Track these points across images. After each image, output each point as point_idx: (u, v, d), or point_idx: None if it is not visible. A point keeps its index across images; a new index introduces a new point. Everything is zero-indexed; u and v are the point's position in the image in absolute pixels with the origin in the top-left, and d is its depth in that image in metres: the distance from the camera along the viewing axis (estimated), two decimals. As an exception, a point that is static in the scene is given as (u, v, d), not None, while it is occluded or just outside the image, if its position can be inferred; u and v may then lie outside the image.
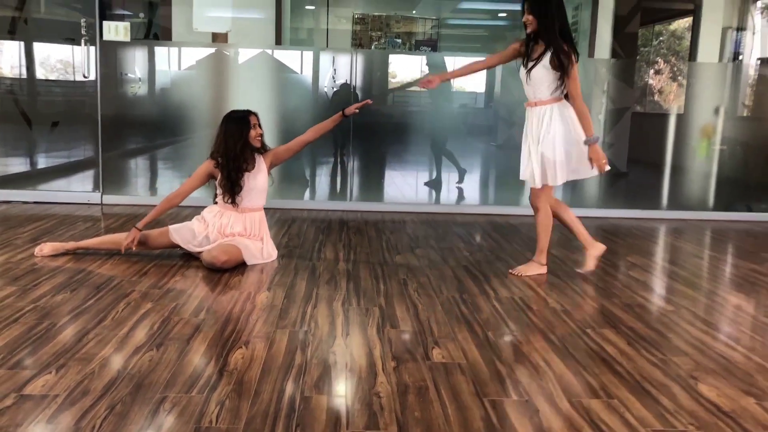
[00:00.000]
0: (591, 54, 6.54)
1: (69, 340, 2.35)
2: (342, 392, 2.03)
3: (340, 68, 5.74)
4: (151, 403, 1.91)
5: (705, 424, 1.90)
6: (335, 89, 5.70)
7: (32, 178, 5.63)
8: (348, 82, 5.69)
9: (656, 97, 10.44)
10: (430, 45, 8.60)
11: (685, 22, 9.71)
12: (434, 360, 2.30)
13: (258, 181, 3.58)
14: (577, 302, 3.06)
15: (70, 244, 3.60)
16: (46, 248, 3.56)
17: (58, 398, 1.91)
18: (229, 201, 3.52)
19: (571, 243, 4.36)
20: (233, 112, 3.58)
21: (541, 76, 3.32)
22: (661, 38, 10.83)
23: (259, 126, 3.59)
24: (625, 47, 7.20)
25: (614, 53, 6.63)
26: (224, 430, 1.77)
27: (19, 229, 4.18)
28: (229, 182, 3.49)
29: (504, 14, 9.16)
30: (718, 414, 1.97)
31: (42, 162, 5.79)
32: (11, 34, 5.50)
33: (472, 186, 6.15)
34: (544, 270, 3.54)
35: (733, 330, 2.76)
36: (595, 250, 3.53)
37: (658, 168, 6.21)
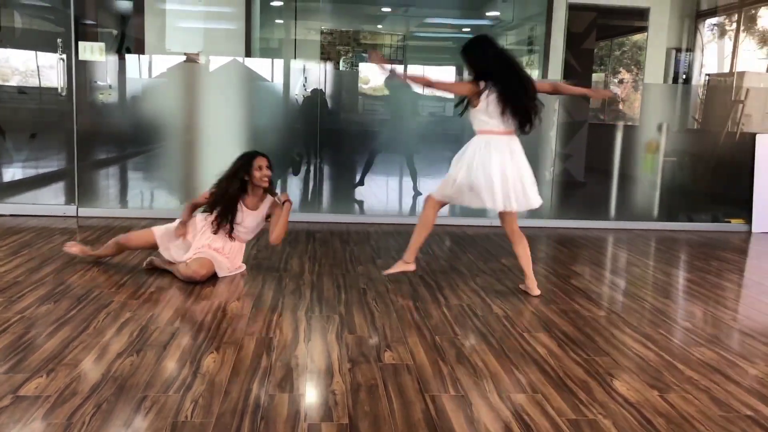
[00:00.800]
0: (545, 73, 6.91)
1: (56, 348, 2.60)
2: (302, 390, 2.32)
3: (310, 77, 6.06)
4: (133, 401, 2.18)
5: (611, 413, 2.23)
6: (306, 96, 6.00)
7: (7, 189, 5.81)
8: (318, 88, 6.00)
9: (621, 106, 10.91)
10: (395, 62, 8.92)
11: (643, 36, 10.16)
12: (385, 361, 2.60)
13: (255, 221, 3.84)
14: (518, 308, 3.39)
15: (94, 253, 3.92)
16: (74, 248, 3.94)
17: (50, 398, 2.17)
18: (227, 231, 3.76)
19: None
20: (244, 153, 3.82)
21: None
22: (623, 48, 11.30)
23: (268, 168, 3.75)
24: (582, 62, 7.60)
25: (567, 71, 7.01)
26: (198, 424, 2.04)
27: (-1, 243, 4.39)
28: (222, 217, 3.73)
29: (468, 29, 9.54)
30: (624, 405, 2.30)
31: (17, 173, 5.96)
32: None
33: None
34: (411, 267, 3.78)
35: (653, 332, 3.10)
36: (531, 290, 3.71)
37: (610, 178, 6.61)
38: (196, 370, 2.45)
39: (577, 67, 7.50)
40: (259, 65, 6.42)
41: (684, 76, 7.32)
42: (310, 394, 2.29)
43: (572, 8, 6.61)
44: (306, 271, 3.97)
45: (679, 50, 7.29)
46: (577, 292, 3.75)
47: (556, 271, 4.27)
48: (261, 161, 3.75)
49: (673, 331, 3.13)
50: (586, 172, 6.96)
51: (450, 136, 6.74)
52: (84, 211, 5.51)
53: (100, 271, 3.78)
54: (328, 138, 5.97)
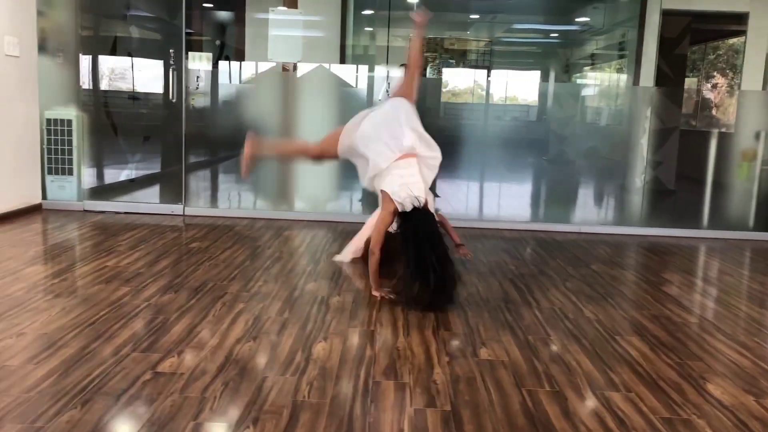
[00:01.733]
0: (636, 79, 6.87)
1: (182, 332, 2.89)
2: (405, 379, 2.50)
3: (393, 82, 6.28)
4: (256, 381, 2.41)
5: (705, 414, 2.30)
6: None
7: (122, 188, 6.29)
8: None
9: (714, 112, 10.62)
10: (483, 68, 9.03)
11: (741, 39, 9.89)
12: (481, 357, 2.75)
13: None
14: (609, 313, 3.46)
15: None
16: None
17: (183, 375, 2.44)
18: None
19: (611, 260, 4.75)
20: None
21: None
22: (718, 52, 10.99)
23: None
24: (674, 69, 7.50)
25: (659, 77, 6.94)
26: (315, 404, 2.26)
27: (119, 237, 4.79)
28: None
29: (555, 34, 9.55)
30: (719, 407, 2.36)
31: (130, 173, 6.44)
32: (109, 54, 6.19)
33: (522, 202, 6.57)
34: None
35: (747, 340, 3.12)
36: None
37: (703, 186, 6.50)
38: (308, 356, 2.67)
39: (670, 73, 7.41)
40: (344, 71, 6.69)
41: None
42: (414, 383, 2.47)
43: (666, 14, 6.54)
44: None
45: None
46: (668, 299, 3.78)
47: (647, 278, 4.29)
48: None
49: (768, 340, 3.14)
50: (676, 179, 6.87)
51: (534, 141, 6.81)
52: (190, 210, 5.91)
53: (211, 265, 4.09)
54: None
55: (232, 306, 3.29)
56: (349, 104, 6.35)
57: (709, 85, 11.00)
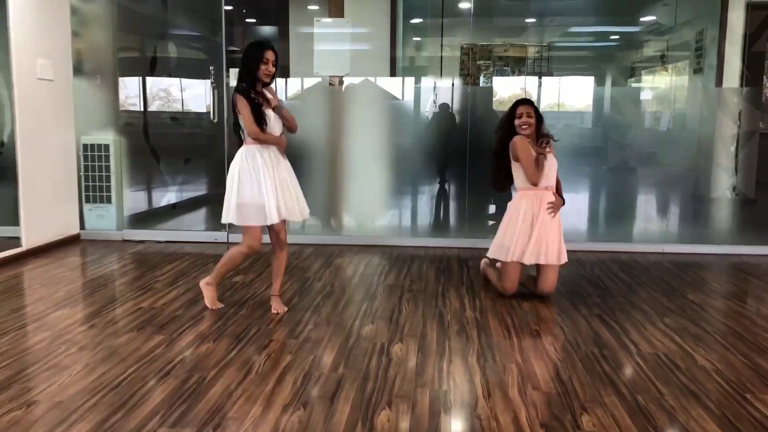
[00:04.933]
0: (720, 80, 6.21)
1: (219, 398, 2.43)
2: (495, 465, 1.98)
3: (441, 94, 5.79)
4: (307, 470, 1.93)
5: None
6: (436, 111, 5.74)
7: (162, 215, 5.93)
8: (448, 104, 5.73)
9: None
10: (541, 74, 8.48)
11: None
12: (585, 429, 2.21)
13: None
14: (728, 359, 2.87)
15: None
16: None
17: (218, 462, 1.97)
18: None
19: (708, 287, 4.14)
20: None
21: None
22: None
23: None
24: (752, 67, 6.81)
25: (743, 76, 6.28)
26: (383, 506, 1.76)
27: (157, 272, 4.40)
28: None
29: (616, 36, 8.92)
30: None
31: (172, 198, 6.07)
32: (147, 74, 5.86)
33: (599, 218, 5.99)
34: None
35: None
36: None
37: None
38: (370, 431, 2.17)
39: (748, 73, 6.72)
40: (390, 83, 6.22)
41: None
42: (505, 471, 1.95)
43: (753, 7, 5.89)
44: (467, 307, 3.64)
45: None
46: (793, 339, 3.16)
47: (758, 309, 3.67)
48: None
49: None
50: (757, 187, 6.17)
51: (588, 148, 6.21)
52: (235, 237, 5.50)
53: (255, 304, 3.65)
54: (462, 155, 5.63)
55: (278, 359, 2.82)
56: (396, 117, 5.88)
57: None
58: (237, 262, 3.58)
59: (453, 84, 6.13)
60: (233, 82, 5.49)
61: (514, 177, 3.83)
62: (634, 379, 2.64)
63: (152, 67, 5.97)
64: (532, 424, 2.24)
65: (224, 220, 3.45)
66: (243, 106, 3.33)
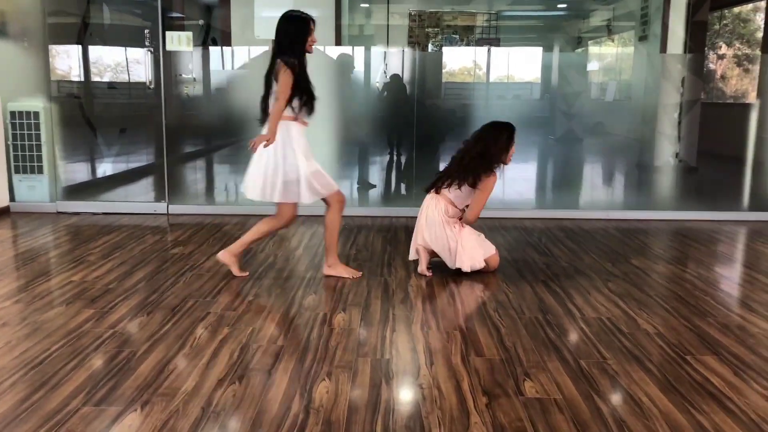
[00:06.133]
0: (664, 48, 6.25)
1: (150, 373, 2.31)
2: (435, 434, 1.92)
3: (392, 64, 5.67)
4: (240, 446, 1.84)
5: (840, 478, 1.73)
6: (387, 82, 5.62)
7: (99, 186, 5.68)
8: (399, 74, 5.61)
9: (720, 83, 10.02)
10: (491, 42, 8.41)
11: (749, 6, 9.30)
12: (527, 395, 2.17)
13: None
14: (670, 323, 2.88)
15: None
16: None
17: (145, 441, 1.87)
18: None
19: (651, 252, 4.17)
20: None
21: None
22: (725, 22, 10.39)
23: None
24: (695, 36, 6.87)
25: (685, 45, 6.33)
26: (318, 481, 1.69)
27: (91, 244, 4.21)
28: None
29: (563, 5, 8.90)
30: None
31: (108, 169, 5.82)
32: (79, 41, 5.56)
33: (542, 187, 5.99)
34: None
35: None
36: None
37: (729, 162, 5.93)
38: (308, 404, 2.09)
39: (690, 42, 6.78)
40: (341, 53, 6.06)
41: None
42: (446, 440, 1.89)
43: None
44: (413, 276, 3.58)
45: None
46: (732, 301, 3.20)
47: (700, 274, 3.71)
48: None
49: None
50: (698, 156, 6.27)
51: (538, 119, 6.20)
52: (174, 209, 5.32)
53: (194, 275, 3.51)
54: (410, 125, 5.54)
55: (215, 331, 2.71)
56: (348, 87, 5.74)
57: (714, 56, 10.41)
58: (266, 236, 3.56)
59: (403, 52, 5.99)
60: (170, 46, 5.26)
61: (461, 198, 3.56)
62: (577, 345, 2.62)
63: (85, 32, 5.66)
64: (475, 391, 2.19)
65: (260, 196, 3.30)
66: (288, 82, 3.19)
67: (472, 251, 3.53)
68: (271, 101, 3.27)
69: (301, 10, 3.38)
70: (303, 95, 3.27)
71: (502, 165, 3.54)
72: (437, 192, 3.60)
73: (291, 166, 3.25)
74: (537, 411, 2.06)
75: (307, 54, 3.32)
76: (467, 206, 3.57)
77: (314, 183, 3.30)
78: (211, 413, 2.02)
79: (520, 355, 2.50)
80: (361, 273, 3.56)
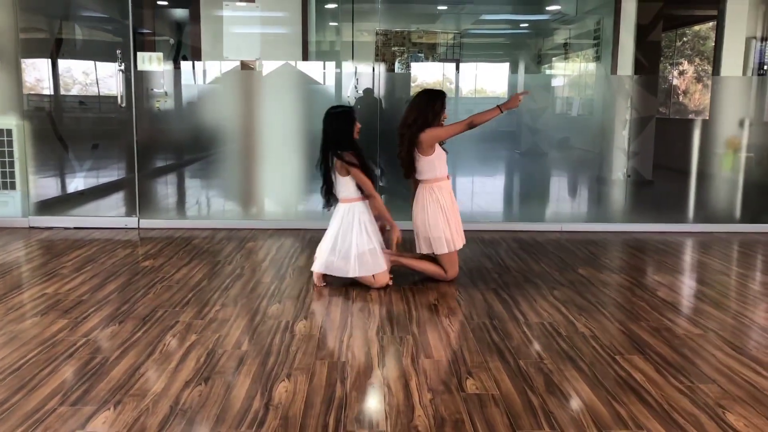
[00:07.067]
0: (614, 68, 6.59)
1: (122, 376, 2.49)
2: (382, 427, 2.14)
3: (363, 79, 5.91)
4: (204, 439, 2.04)
5: (732, 456, 1.98)
6: (358, 96, 5.85)
7: (71, 201, 5.80)
8: (372, 87, 5.84)
9: (681, 99, 10.44)
10: (453, 61, 8.69)
11: (709, 25, 9.70)
12: (468, 391, 2.40)
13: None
14: (605, 326, 3.14)
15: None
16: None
17: (118, 436, 2.05)
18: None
19: (598, 262, 4.44)
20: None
21: None
22: (684, 39, 10.83)
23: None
24: (648, 56, 7.23)
25: (638, 65, 6.68)
26: (274, 467, 1.89)
27: (64, 258, 4.36)
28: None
29: (525, 24, 9.24)
30: (745, 445, 2.05)
31: (80, 184, 5.94)
32: (51, 56, 5.70)
33: (495, 199, 6.25)
34: None
35: (761, 354, 2.82)
36: None
37: (683, 176, 6.24)
38: (268, 401, 2.29)
39: (644, 61, 7.14)
40: (311, 68, 6.32)
41: (766, 67, 6.87)
42: (392, 431, 2.10)
43: (641, -1, 6.27)
44: (373, 287, 3.79)
45: (762, 39, 6.84)
46: (665, 306, 3.47)
47: (640, 281, 3.99)
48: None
49: (782, 353, 2.84)
50: (654, 170, 6.60)
51: (505, 133, 6.49)
52: (145, 223, 5.48)
53: (163, 287, 3.69)
54: (383, 139, 5.78)
55: (183, 339, 2.90)
56: (318, 101, 5.96)
57: (676, 72, 10.83)
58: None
59: (374, 69, 6.24)
60: (141, 66, 5.44)
61: (420, 170, 3.83)
62: (518, 347, 2.86)
63: (57, 49, 5.81)
64: (421, 388, 2.42)
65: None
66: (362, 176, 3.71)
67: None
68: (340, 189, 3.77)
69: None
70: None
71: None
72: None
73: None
74: (475, 405, 2.29)
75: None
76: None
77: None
78: (179, 411, 2.21)
79: (465, 357, 2.73)
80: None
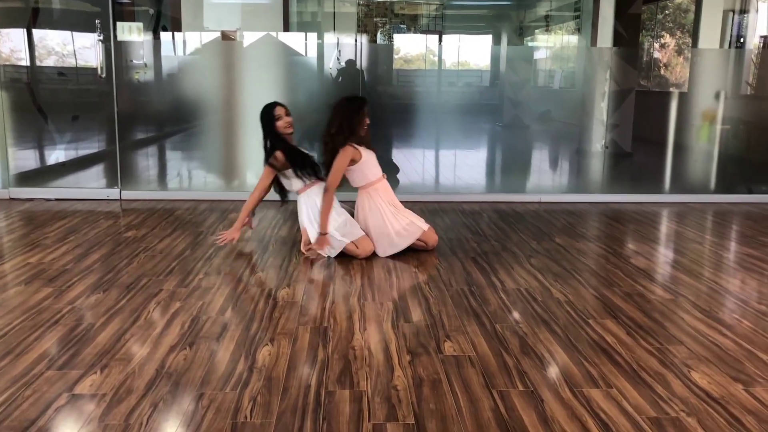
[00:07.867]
0: (594, 41, 6.64)
1: (108, 341, 2.54)
2: (362, 386, 2.21)
3: (345, 50, 5.91)
4: (190, 400, 2.10)
5: (695, 410, 2.08)
6: (340, 68, 5.85)
7: (52, 173, 5.78)
8: (354, 59, 5.84)
9: (662, 72, 10.53)
10: (435, 33, 8.69)
11: (689, -1, 9.75)
12: (446, 353, 2.49)
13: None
14: (579, 292, 3.24)
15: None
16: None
17: (105, 397, 2.11)
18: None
19: (575, 231, 4.54)
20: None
21: None
22: (666, 12, 10.88)
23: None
24: (629, 29, 7.28)
25: (617, 37, 6.73)
26: (258, 425, 1.96)
27: (46, 229, 4.37)
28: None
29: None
30: (707, 400, 2.15)
31: (61, 156, 5.91)
32: (29, 26, 5.63)
33: (477, 171, 6.32)
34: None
35: (727, 317, 2.93)
36: None
37: (660, 148, 6.34)
38: (252, 364, 2.36)
39: (625, 34, 7.20)
40: (293, 39, 6.29)
41: (742, 40, 6.95)
42: (372, 391, 2.18)
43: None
44: (358, 257, 3.86)
45: (739, 11, 6.91)
46: (639, 273, 3.58)
47: (615, 250, 4.09)
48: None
49: (748, 316, 2.95)
50: (633, 142, 6.70)
51: (487, 106, 6.54)
52: (127, 194, 5.48)
53: (147, 256, 3.73)
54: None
55: (167, 306, 2.95)
56: (299, 73, 5.96)
57: (657, 45, 10.90)
58: None
59: (356, 40, 6.23)
60: (121, 36, 5.40)
61: (352, 179, 3.92)
62: (495, 311, 2.95)
63: (34, 19, 5.74)
64: (400, 351, 2.50)
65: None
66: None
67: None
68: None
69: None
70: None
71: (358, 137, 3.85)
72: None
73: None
74: (452, 365, 2.37)
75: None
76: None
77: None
78: (165, 374, 2.28)
79: (444, 321, 2.81)
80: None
